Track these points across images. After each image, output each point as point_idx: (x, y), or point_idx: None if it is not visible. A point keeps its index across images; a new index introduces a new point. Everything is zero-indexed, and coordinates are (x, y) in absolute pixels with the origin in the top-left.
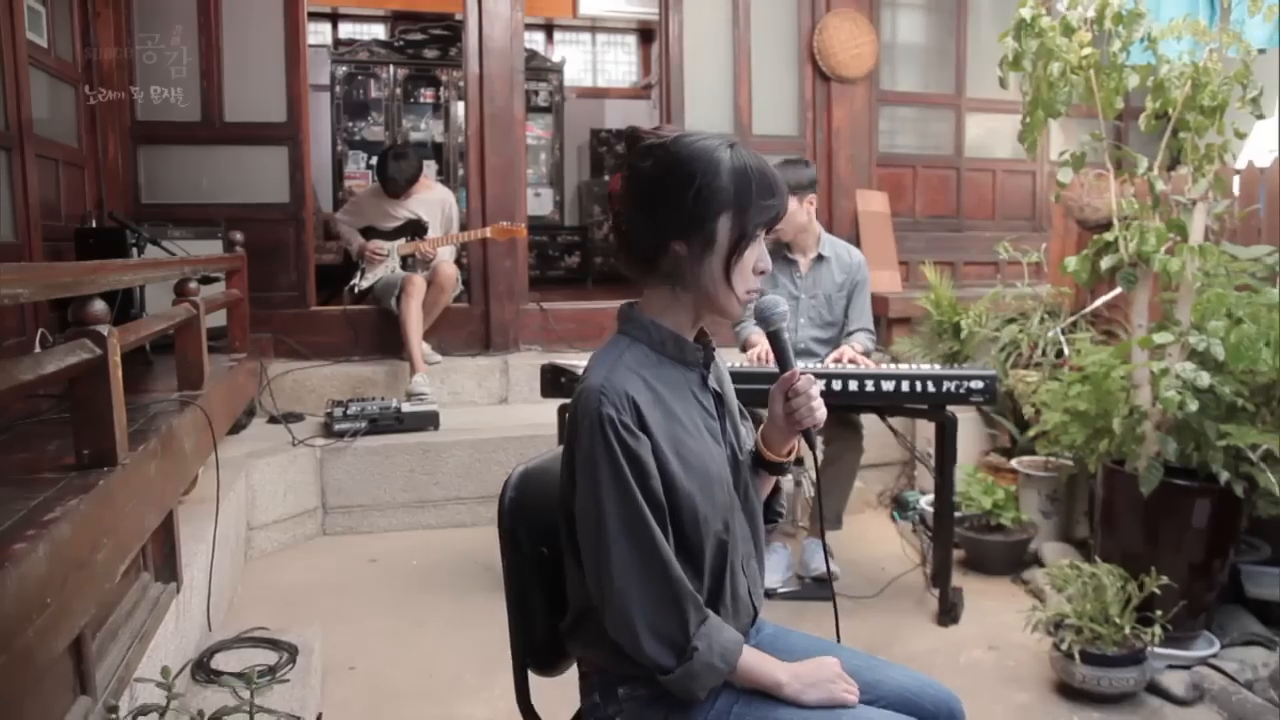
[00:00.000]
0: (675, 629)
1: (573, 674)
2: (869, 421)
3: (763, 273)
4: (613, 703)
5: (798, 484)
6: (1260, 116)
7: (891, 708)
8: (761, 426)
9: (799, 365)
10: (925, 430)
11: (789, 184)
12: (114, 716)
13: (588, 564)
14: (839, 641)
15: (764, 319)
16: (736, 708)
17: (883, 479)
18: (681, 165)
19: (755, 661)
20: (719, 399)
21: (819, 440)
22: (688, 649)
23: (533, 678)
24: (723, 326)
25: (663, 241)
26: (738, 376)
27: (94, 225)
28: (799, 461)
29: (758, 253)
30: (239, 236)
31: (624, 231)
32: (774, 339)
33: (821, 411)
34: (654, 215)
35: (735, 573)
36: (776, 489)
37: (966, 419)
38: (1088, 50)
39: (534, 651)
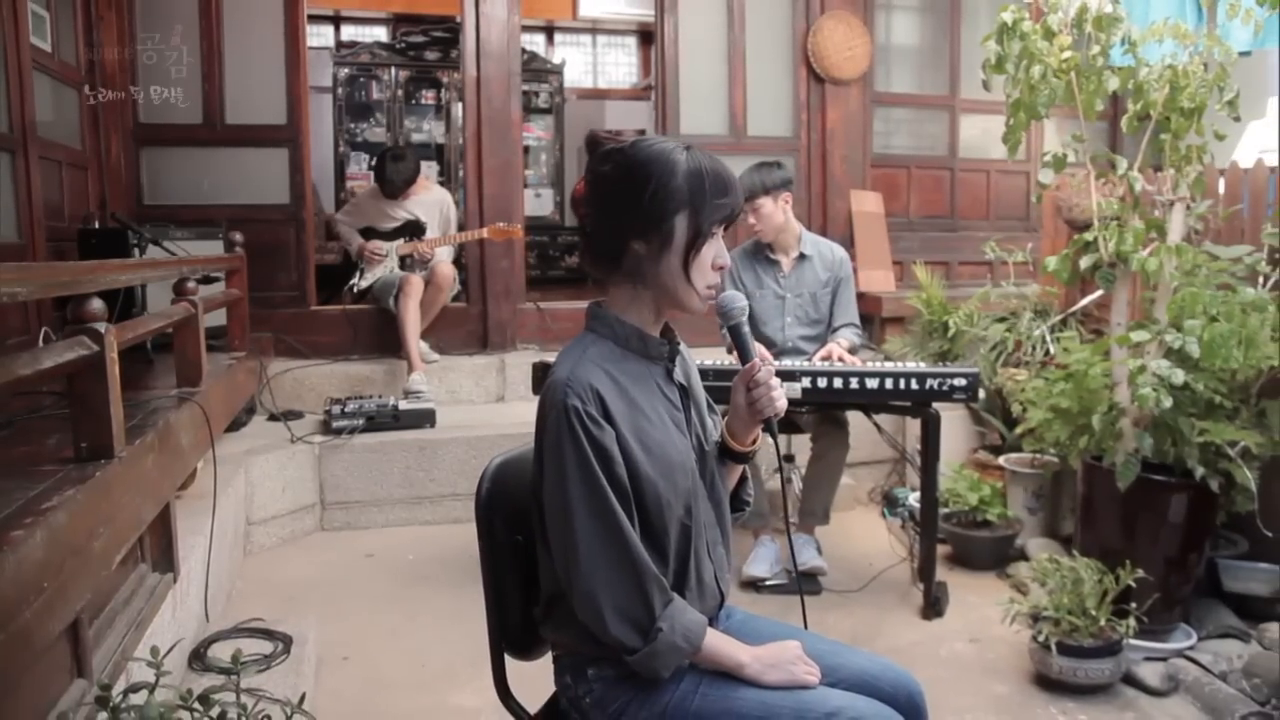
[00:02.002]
0: (640, 610)
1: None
2: (862, 419)
3: (721, 268)
4: (582, 683)
5: (788, 481)
6: (1236, 118)
7: (852, 689)
8: (726, 418)
9: (787, 363)
10: (915, 428)
11: (763, 185)
12: (107, 694)
13: (555, 548)
14: (806, 628)
15: (723, 313)
16: (700, 687)
17: (874, 476)
18: (639, 168)
19: (718, 643)
20: (684, 391)
21: (805, 437)
22: (652, 629)
23: (514, 664)
24: (709, 326)
25: (624, 241)
26: (720, 374)
27: (96, 226)
28: (789, 459)
29: (715, 249)
30: (238, 237)
31: (588, 233)
32: (734, 333)
33: (782, 402)
34: (614, 216)
35: (700, 557)
36: (744, 478)
37: (956, 417)
38: (1068, 53)
39: (510, 636)
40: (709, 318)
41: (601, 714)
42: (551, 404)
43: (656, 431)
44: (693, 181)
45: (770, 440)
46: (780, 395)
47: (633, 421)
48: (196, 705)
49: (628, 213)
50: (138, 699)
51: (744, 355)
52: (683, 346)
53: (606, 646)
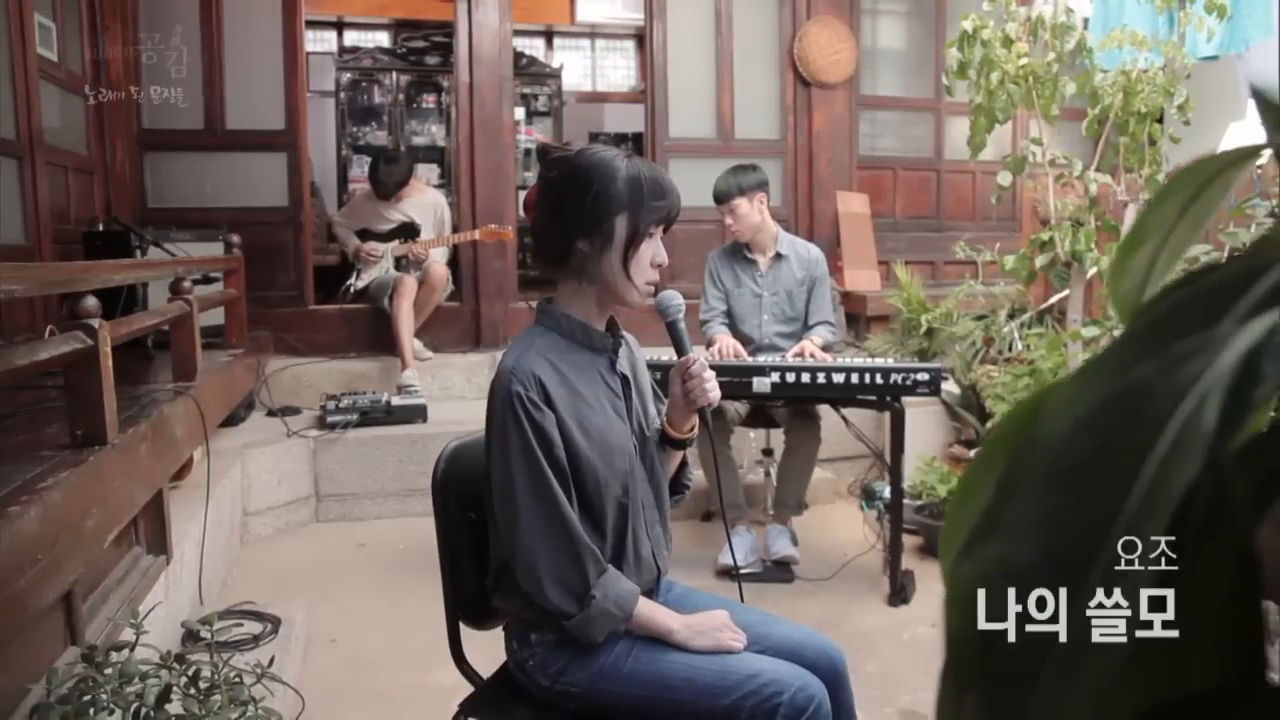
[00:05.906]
0: (576, 579)
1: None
2: (850, 415)
3: (660, 265)
4: (527, 648)
5: (767, 474)
6: (1187, 123)
7: (778, 657)
8: (665, 407)
9: (762, 359)
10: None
11: (739, 186)
12: (92, 654)
13: (500, 523)
14: (742, 602)
15: (661, 310)
16: (633, 651)
17: (855, 470)
18: (583, 173)
19: (650, 611)
20: (626, 381)
21: (782, 431)
22: (586, 597)
23: (477, 637)
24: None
25: (569, 241)
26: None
27: (100, 229)
28: (767, 453)
29: (654, 249)
30: (235, 238)
31: (538, 234)
32: (671, 329)
33: (715, 392)
34: (560, 217)
35: (637, 534)
36: (683, 464)
37: (932, 412)
38: (1024, 60)
39: (465, 607)
40: (650, 314)
41: (544, 675)
42: (498, 391)
43: (596, 417)
44: (631, 186)
45: (752, 436)
46: (713, 387)
47: (573, 407)
48: (174, 664)
49: (572, 214)
50: (121, 658)
51: (680, 349)
52: (631, 340)
53: (548, 614)
